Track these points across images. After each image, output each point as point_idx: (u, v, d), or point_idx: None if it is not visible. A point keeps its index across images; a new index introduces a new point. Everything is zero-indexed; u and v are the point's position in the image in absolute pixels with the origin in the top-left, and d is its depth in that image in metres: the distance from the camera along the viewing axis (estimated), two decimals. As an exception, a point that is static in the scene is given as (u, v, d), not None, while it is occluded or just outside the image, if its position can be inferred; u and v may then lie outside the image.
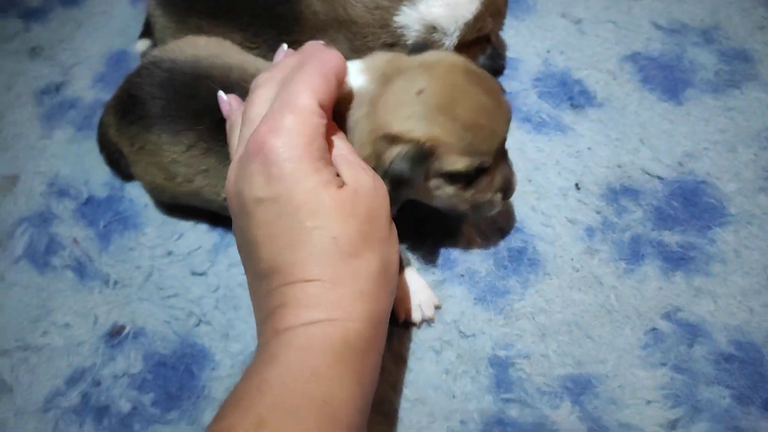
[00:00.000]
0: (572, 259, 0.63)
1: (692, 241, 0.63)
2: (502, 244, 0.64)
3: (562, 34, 0.81)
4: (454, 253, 0.64)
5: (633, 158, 0.69)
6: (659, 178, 0.67)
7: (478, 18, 0.69)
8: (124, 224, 0.71)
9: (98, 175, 0.75)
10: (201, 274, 0.66)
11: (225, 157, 0.59)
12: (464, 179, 0.53)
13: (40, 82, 0.86)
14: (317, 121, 0.43)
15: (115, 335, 0.63)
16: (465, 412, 0.55)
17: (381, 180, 0.47)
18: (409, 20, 0.67)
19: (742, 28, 0.78)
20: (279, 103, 0.44)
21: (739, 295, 0.59)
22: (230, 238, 0.68)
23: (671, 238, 0.63)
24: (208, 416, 0.57)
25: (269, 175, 0.42)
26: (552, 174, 0.69)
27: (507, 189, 0.57)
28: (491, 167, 0.54)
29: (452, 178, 0.52)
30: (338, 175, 0.44)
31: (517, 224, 0.65)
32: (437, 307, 0.61)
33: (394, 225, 0.47)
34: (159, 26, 0.76)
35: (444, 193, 0.54)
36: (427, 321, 0.60)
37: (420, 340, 0.59)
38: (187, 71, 0.61)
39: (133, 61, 0.85)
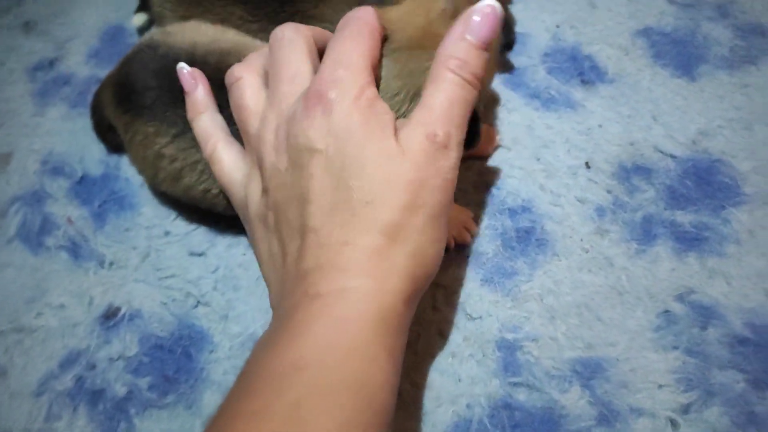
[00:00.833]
0: (582, 240, 0.61)
1: (706, 221, 0.61)
2: (510, 223, 0.62)
3: (573, 8, 0.78)
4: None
5: (645, 136, 0.66)
6: (672, 156, 0.65)
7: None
8: (119, 204, 0.69)
9: (93, 153, 0.73)
10: (200, 255, 0.64)
11: None
12: None
13: (33, 57, 0.83)
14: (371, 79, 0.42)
15: (110, 317, 0.61)
16: (471, 396, 0.53)
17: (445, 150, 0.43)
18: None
19: (758, 2, 0.75)
20: (331, 60, 0.42)
21: (754, 277, 0.57)
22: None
23: (684, 218, 0.61)
24: (206, 399, 0.55)
25: (330, 124, 0.40)
26: (561, 152, 0.66)
27: None
28: None
29: None
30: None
31: (525, 203, 0.63)
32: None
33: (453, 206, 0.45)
34: (156, 4, 0.73)
35: None
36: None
37: (426, 323, 0.57)
38: (182, 59, 0.59)
39: (129, 37, 0.83)
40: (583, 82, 0.72)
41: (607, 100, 0.70)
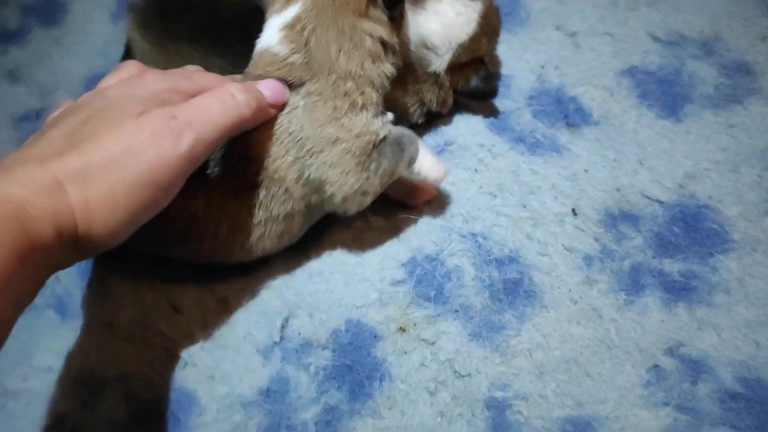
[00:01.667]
0: (570, 291, 0.60)
1: (694, 269, 0.61)
2: (497, 275, 0.62)
3: (557, 47, 0.78)
4: (448, 287, 0.62)
5: (632, 180, 0.66)
6: (659, 201, 0.65)
7: (474, 39, 0.67)
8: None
9: (79, 206, 0.73)
10: (181, 311, 0.63)
11: None
12: None
13: (19, 107, 0.83)
14: None
15: (97, 379, 0.61)
16: (460, 459, 0.52)
17: None
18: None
19: (743, 39, 0.75)
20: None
21: (743, 327, 0.57)
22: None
23: (672, 267, 0.61)
24: (193, 467, 0.55)
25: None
26: (548, 199, 0.66)
27: None
28: None
29: None
30: None
31: (511, 254, 0.63)
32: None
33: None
34: (138, 50, 0.73)
35: None
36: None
37: (414, 382, 0.57)
38: None
39: (113, 84, 0.82)
40: (569, 125, 0.71)
41: (593, 143, 0.70)
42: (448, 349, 0.58)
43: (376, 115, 0.55)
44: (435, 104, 0.68)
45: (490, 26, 0.69)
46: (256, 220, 0.56)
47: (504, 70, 0.77)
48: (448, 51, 0.66)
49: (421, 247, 0.64)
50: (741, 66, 0.73)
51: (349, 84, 0.52)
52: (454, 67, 0.67)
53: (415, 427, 0.55)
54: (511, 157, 0.69)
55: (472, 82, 0.69)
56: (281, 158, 0.54)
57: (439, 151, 0.70)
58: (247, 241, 0.58)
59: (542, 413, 0.54)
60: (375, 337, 0.59)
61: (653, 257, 0.62)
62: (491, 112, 0.73)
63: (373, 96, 0.54)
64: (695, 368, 0.55)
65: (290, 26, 0.53)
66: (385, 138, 0.55)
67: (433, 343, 0.58)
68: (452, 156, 0.70)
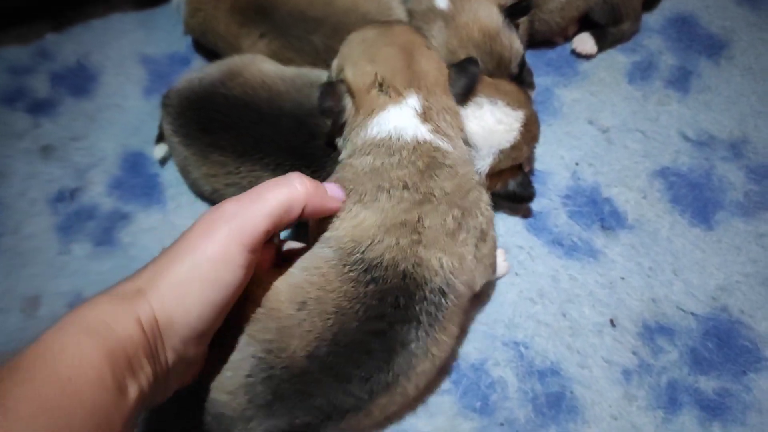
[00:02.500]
0: (610, 406, 0.63)
1: (728, 387, 0.64)
2: (540, 387, 0.64)
3: (590, 143, 0.80)
4: (492, 398, 0.64)
5: (667, 292, 0.69)
6: (693, 314, 0.67)
7: (515, 147, 0.68)
8: (152, 357, 0.70)
9: (122, 298, 0.73)
10: None
11: None
12: None
13: (53, 186, 0.83)
14: None
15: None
16: None
17: None
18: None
19: (770, 142, 0.78)
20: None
21: (776, 449, 0.60)
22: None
23: (707, 384, 0.64)
24: None
25: None
26: (586, 307, 0.68)
27: None
28: None
29: None
30: None
31: (553, 366, 0.65)
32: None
33: None
34: (178, 155, 0.73)
35: None
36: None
37: (463, 500, 0.59)
38: None
39: (150, 166, 0.83)
40: (604, 228, 0.74)
41: (628, 248, 0.72)
42: (496, 465, 0.61)
43: None
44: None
45: (530, 134, 0.70)
46: None
47: (539, 165, 0.79)
48: (489, 155, 0.68)
49: (466, 354, 0.66)
50: (768, 171, 0.76)
51: None
52: (493, 173, 0.69)
53: None
54: (549, 261, 0.72)
55: (510, 186, 0.71)
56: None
57: (480, 253, 0.72)
58: None
59: None
60: (424, 452, 0.61)
61: (689, 374, 0.64)
62: (527, 213, 0.75)
63: None
64: (732, 493, 0.58)
65: None
66: None
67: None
68: (492, 259, 0.72)
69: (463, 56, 0.68)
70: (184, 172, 0.74)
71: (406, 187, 0.54)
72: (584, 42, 0.85)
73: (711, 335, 0.66)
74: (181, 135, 0.71)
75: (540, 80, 0.83)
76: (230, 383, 0.52)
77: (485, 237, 0.57)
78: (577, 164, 0.78)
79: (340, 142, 0.62)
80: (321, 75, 0.69)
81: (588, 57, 0.86)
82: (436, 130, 0.57)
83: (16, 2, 0.96)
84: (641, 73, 0.84)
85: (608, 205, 0.75)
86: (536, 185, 0.77)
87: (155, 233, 0.78)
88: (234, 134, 0.67)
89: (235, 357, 0.52)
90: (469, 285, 0.56)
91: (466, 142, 0.63)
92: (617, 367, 0.65)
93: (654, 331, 0.67)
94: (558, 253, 0.72)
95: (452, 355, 0.66)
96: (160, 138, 0.80)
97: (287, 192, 0.49)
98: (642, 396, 0.64)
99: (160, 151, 0.80)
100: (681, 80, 0.83)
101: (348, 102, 0.59)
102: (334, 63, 0.63)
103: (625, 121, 0.81)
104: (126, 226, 0.79)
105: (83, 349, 0.39)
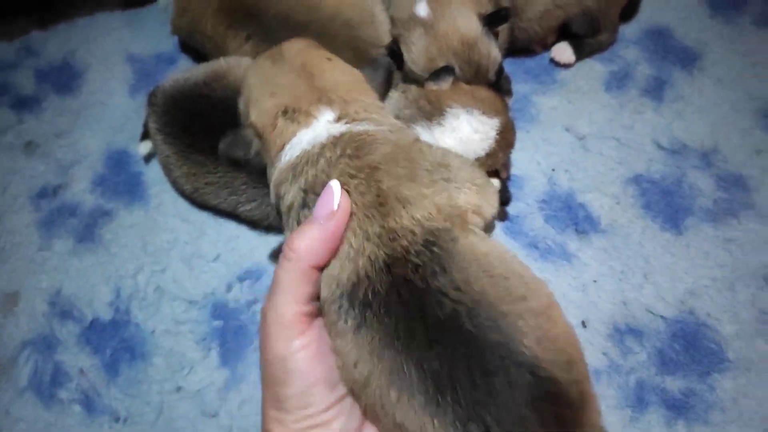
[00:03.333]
0: (580, 405, 0.65)
1: (693, 387, 0.66)
2: (512, 386, 0.66)
3: (567, 150, 0.82)
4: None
5: (637, 295, 0.71)
6: (662, 317, 0.69)
7: (491, 155, 0.70)
8: (131, 353, 0.70)
9: (101, 294, 0.74)
10: (213, 416, 0.66)
11: None
12: None
13: (36, 182, 0.84)
14: None
15: (128, 483, 0.63)
16: None
17: None
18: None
19: (740, 151, 0.80)
20: None
21: (737, 448, 0.62)
22: (241, 373, 0.68)
23: (673, 384, 0.66)
24: None
25: None
26: (559, 309, 0.70)
27: None
28: None
29: None
30: None
31: (526, 365, 0.67)
32: None
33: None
34: (161, 153, 0.74)
35: None
36: None
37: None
38: None
39: (134, 164, 0.83)
40: (578, 232, 0.76)
41: (601, 252, 0.74)
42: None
43: None
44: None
45: (506, 141, 0.72)
46: None
47: (516, 170, 0.80)
48: (467, 162, 0.70)
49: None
50: (737, 180, 0.78)
51: None
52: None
53: None
54: (525, 263, 0.73)
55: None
56: None
57: (457, 255, 0.74)
58: None
59: None
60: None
61: (656, 374, 0.66)
62: (504, 216, 0.77)
63: None
64: (694, 489, 0.60)
65: None
66: None
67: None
68: (469, 261, 0.73)
69: (441, 63, 0.70)
70: (167, 170, 0.75)
71: (351, 176, 0.47)
72: (563, 51, 0.87)
73: (678, 337, 0.68)
74: (165, 133, 0.72)
75: (518, 87, 0.85)
76: None
77: (448, 166, 0.50)
78: (553, 170, 0.80)
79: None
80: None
81: (566, 66, 0.88)
82: (353, 120, 0.52)
83: (2, -1, 0.96)
84: (617, 82, 0.86)
85: (583, 210, 0.77)
86: (513, 190, 0.79)
87: (137, 230, 0.78)
88: (213, 135, 0.68)
89: None
90: (464, 217, 0.48)
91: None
92: (588, 367, 0.67)
93: (624, 333, 0.69)
94: (534, 256, 0.74)
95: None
96: (145, 135, 0.81)
97: (298, 270, 0.44)
98: (611, 395, 0.65)
99: (144, 148, 0.81)
100: (656, 90, 0.85)
101: (257, 144, 0.54)
102: (240, 105, 0.59)
103: (601, 129, 0.83)
104: (108, 223, 0.79)
105: None
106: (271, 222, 0.72)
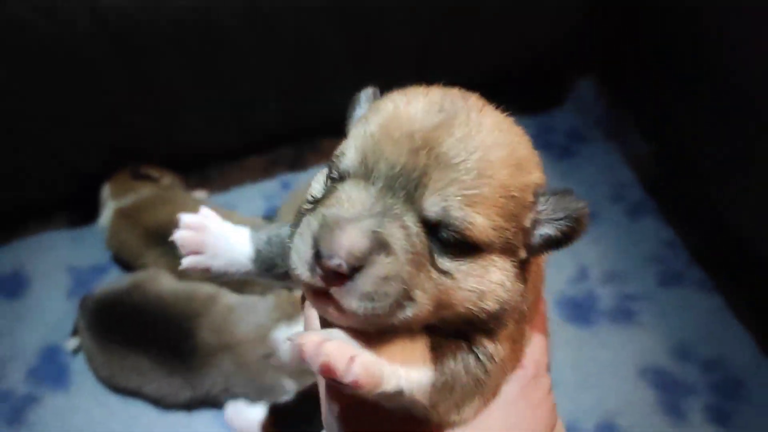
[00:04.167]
0: None
1: None
2: None
3: None
4: None
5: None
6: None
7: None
8: None
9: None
10: None
11: None
12: None
13: (-27, 383, 0.99)
14: None
15: None
16: None
17: None
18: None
19: None
20: None
21: None
22: None
23: None
24: None
25: None
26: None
27: None
28: None
29: None
30: None
31: None
32: None
33: None
34: (85, 346, 0.96)
35: None
36: None
37: None
38: None
39: (64, 357, 1.01)
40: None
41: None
42: None
43: None
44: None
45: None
46: None
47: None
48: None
49: None
50: None
51: None
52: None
53: None
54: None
55: None
56: None
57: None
58: None
59: None
60: None
61: None
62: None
63: None
64: None
65: None
66: None
67: None
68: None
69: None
70: (90, 360, 0.95)
71: None
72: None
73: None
74: (91, 330, 0.93)
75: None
76: None
77: None
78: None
79: None
80: (209, 290, 0.93)
81: None
82: None
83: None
84: None
85: None
86: None
87: (58, 412, 0.94)
88: (128, 332, 0.90)
89: None
90: None
91: None
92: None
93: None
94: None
95: None
96: (75, 332, 1.01)
97: None
98: None
99: (73, 343, 1.01)
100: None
101: None
102: None
103: None
104: (35, 408, 0.95)
105: None
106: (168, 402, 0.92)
